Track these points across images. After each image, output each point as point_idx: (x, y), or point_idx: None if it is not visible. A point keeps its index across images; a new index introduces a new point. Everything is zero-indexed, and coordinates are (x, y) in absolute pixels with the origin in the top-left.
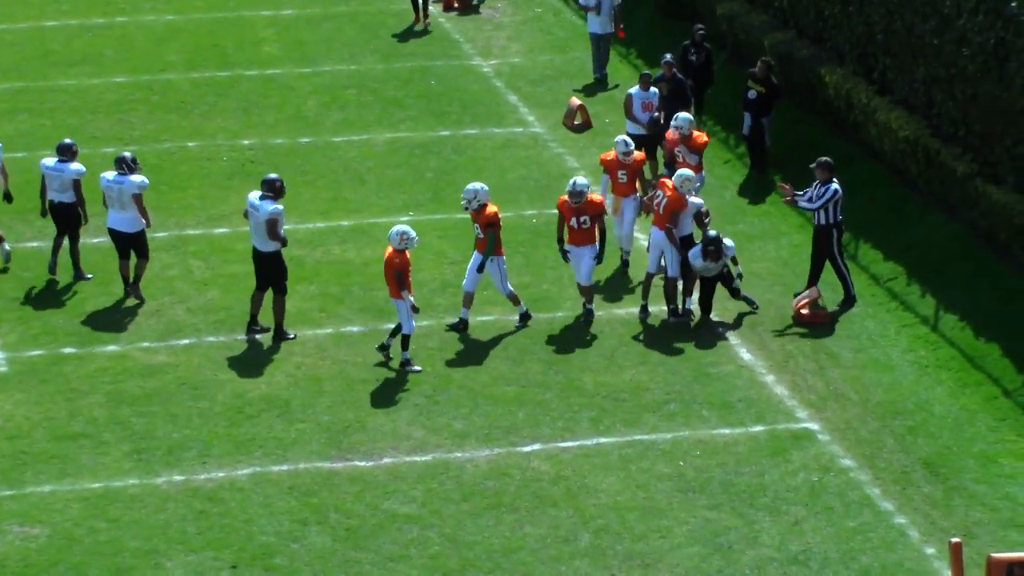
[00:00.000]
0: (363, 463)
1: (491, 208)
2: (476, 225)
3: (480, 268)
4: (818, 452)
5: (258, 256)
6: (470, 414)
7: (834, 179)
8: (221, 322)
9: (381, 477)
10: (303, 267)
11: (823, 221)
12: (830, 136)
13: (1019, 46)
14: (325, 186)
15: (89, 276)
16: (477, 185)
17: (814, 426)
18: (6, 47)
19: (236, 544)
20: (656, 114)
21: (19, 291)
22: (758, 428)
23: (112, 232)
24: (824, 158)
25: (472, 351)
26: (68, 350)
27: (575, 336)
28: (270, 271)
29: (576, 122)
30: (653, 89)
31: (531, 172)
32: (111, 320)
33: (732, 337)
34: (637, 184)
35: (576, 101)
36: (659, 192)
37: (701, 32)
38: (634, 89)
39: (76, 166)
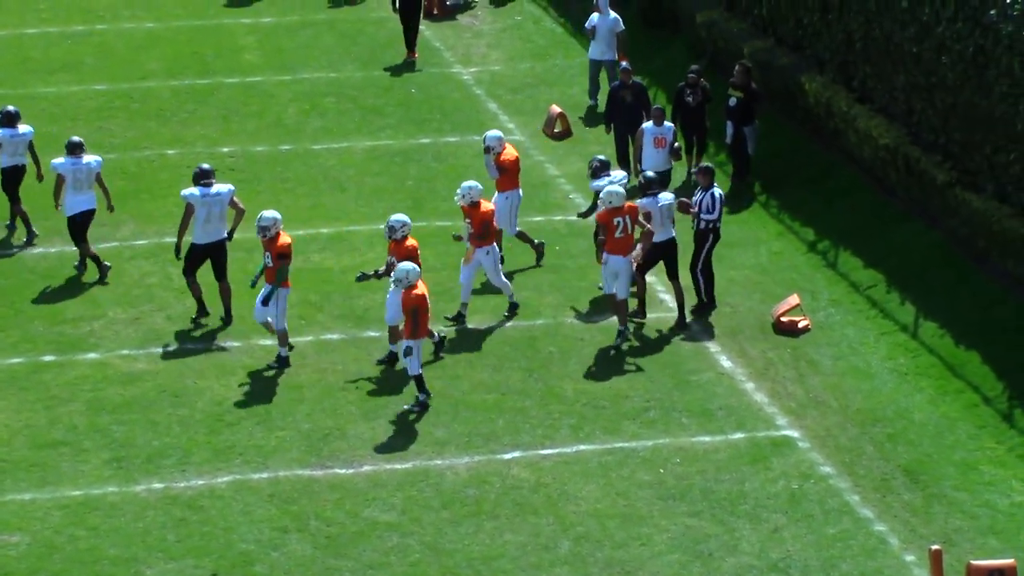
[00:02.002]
0: (343, 471)
1: (285, 239)
2: (267, 253)
3: (266, 300)
4: (798, 459)
5: (216, 247)
6: (450, 422)
7: (715, 184)
8: (201, 329)
9: (361, 485)
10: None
11: (702, 227)
12: (810, 144)
13: (998, 54)
14: (305, 193)
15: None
16: (276, 214)
17: (794, 433)
18: None
19: (216, 552)
20: (677, 144)
21: None
22: (738, 435)
23: (82, 215)
24: (705, 164)
25: (452, 359)
26: (48, 358)
27: (555, 343)
28: (225, 256)
29: (556, 130)
30: (668, 124)
31: None
32: (91, 328)
33: (712, 345)
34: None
35: (556, 109)
36: (619, 220)
37: (694, 74)
38: (647, 124)
39: (27, 128)
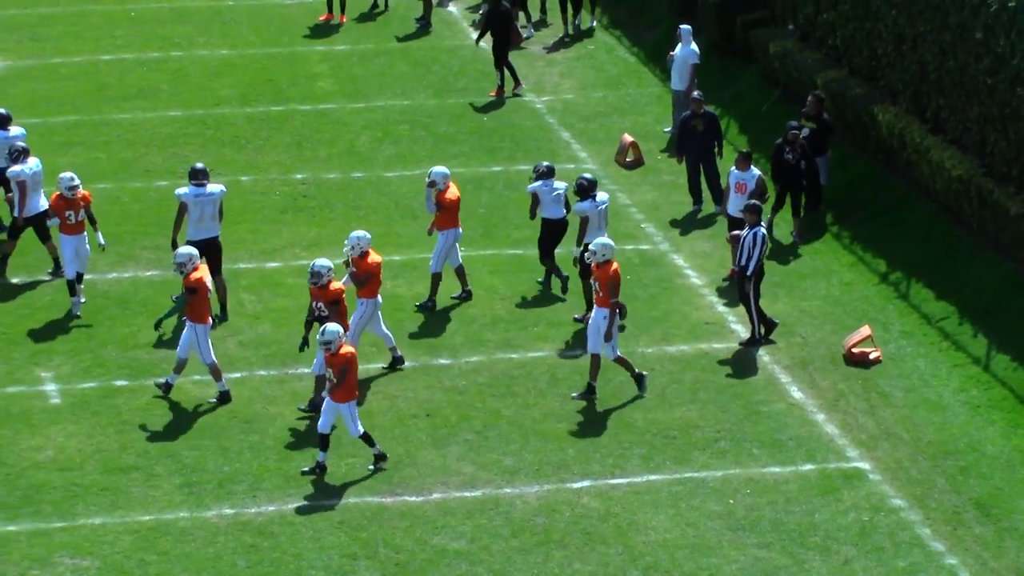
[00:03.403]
0: (413, 498)
1: (196, 274)
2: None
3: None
4: (869, 492)
5: (210, 243)
6: (520, 450)
7: (761, 223)
8: (272, 356)
9: (430, 512)
10: (356, 302)
11: (748, 271)
12: (882, 175)
13: None
14: (377, 221)
15: None
16: (191, 250)
17: (865, 465)
18: (61, 81)
19: None
20: (760, 197)
21: (71, 324)
22: (808, 467)
23: (39, 215)
24: (752, 201)
25: (523, 387)
26: (120, 383)
27: (626, 373)
28: (219, 252)
29: (628, 159)
30: (753, 171)
31: None
32: (163, 353)
33: (783, 375)
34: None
35: (628, 137)
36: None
37: (794, 130)
38: (733, 168)
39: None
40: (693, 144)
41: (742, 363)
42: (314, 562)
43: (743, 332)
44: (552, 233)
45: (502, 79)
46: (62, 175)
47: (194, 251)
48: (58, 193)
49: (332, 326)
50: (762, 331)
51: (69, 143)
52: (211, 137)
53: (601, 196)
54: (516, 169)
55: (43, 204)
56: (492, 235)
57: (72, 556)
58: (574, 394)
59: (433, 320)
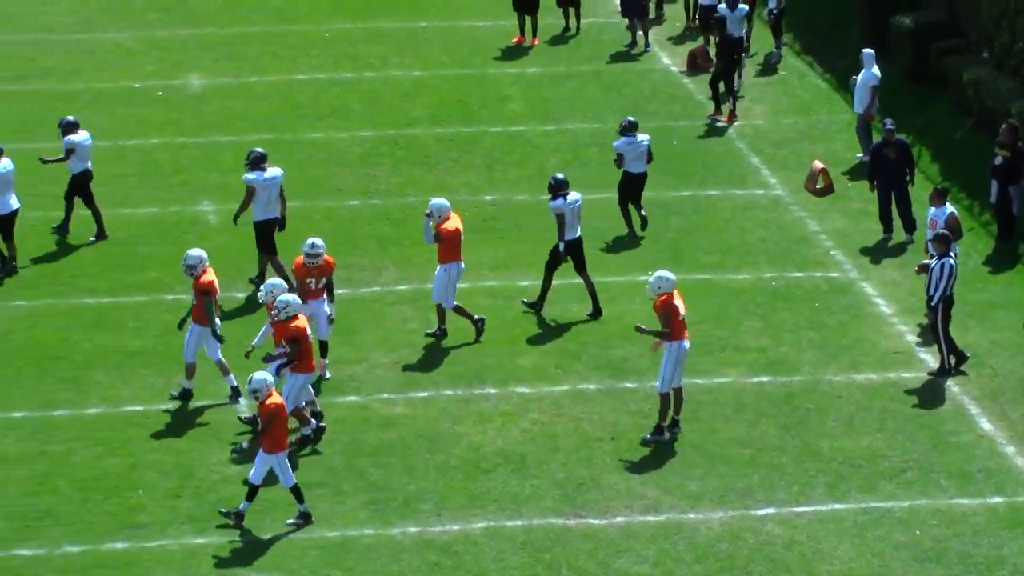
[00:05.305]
0: (596, 521)
1: (207, 276)
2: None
3: (218, 337)
4: None
5: (275, 223)
6: (705, 475)
7: (950, 252)
8: (459, 376)
9: (614, 536)
10: (542, 323)
11: (933, 302)
12: None
13: None
14: None
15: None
16: (201, 253)
17: None
18: (257, 100)
19: None
20: (944, 232)
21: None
22: (997, 499)
23: (14, 214)
24: (940, 231)
25: (708, 412)
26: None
27: (812, 400)
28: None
29: (818, 186)
30: (947, 207)
31: (771, 235)
32: (351, 371)
33: (972, 406)
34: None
35: (819, 164)
36: (678, 302)
37: None
38: (932, 208)
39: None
40: (885, 172)
41: (931, 393)
42: None
43: (932, 362)
44: (631, 184)
45: (734, 102)
46: (308, 241)
47: (203, 254)
48: (301, 258)
49: (259, 375)
50: (952, 361)
51: None
52: (402, 157)
53: (573, 195)
54: (706, 194)
55: (13, 204)
56: (680, 259)
57: (259, 571)
58: (646, 436)
59: (619, 344)
